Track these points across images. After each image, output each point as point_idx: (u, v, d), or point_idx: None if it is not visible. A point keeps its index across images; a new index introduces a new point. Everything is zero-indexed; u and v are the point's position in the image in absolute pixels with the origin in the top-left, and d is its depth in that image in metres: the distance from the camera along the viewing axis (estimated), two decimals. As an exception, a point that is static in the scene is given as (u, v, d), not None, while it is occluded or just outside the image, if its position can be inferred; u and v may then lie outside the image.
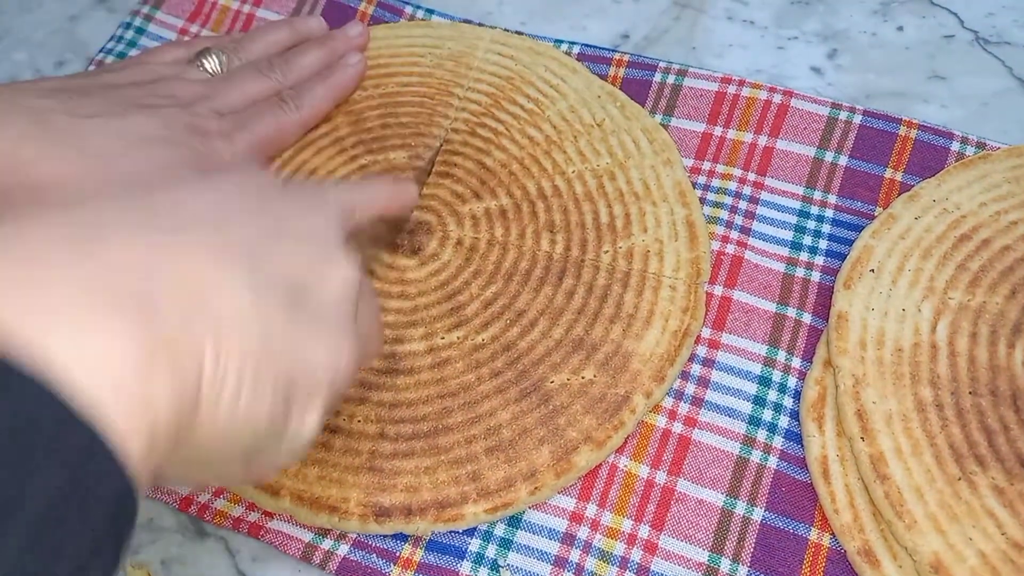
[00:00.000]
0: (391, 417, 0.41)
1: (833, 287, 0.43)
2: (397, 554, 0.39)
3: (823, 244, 0.46)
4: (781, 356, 0.43)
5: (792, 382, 0.43)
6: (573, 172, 0.48)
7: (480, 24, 0.54)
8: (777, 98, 0.50)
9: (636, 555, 0.39)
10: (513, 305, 0.44)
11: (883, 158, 0.48)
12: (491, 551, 0.39)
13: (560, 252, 0.45)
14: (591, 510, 0.40)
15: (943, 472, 0.38)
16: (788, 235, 0.46)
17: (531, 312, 0.43)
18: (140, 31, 0.55)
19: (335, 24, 0.53)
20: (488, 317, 0.43)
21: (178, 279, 0.25)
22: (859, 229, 0.45)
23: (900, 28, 0.54)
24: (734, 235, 0.46)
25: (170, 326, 0.24)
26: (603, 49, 0.53)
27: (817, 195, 0.47)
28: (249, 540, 0.40)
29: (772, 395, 0.42)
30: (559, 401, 0.41)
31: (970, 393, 0.40)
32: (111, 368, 0.22)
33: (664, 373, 0.42)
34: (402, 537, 0.39)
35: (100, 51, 0.55)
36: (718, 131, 0.49)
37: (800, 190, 0.48)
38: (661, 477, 0.40)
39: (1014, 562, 0.36)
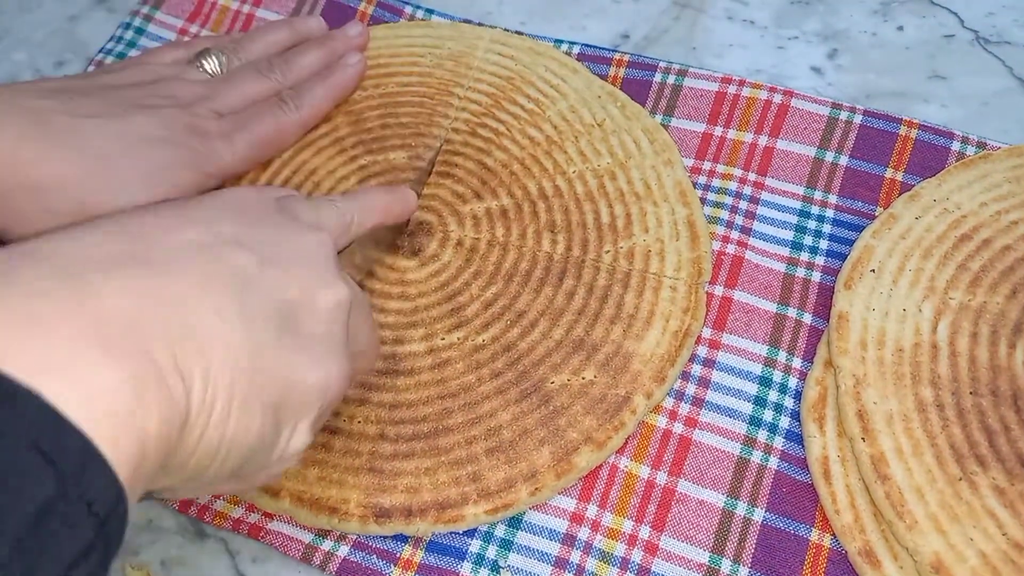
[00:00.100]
0: (391, 418, 0.41)
1: (834, 287, 0.43)
2: (397, 555, 0.39)
3: (824, 244, 0.46)
4: (782, 356, 0.43)
5: (793, 382, 0.43)
6: (574, 172, 0.48)
7: (480, 24, 0.54)
8: (777, 98, 0.50)
9: (637, 556, 0.39)
10: (513, 306, 0.44)
11: (883, 158, 0.48)
12: (492, 552, 0.39)
13: (561, 252, 0.45)
14: (592, 511, 0.40)
15: (944, 472, 0.38)
16: (789, 235, 0.46)
17: (531, 313, 0.43)
18: (140, 31, 0.55)
19: (335, 24, 0.53)
20: (488, 318, 0.43)
21: (167, 313, 0.26)
22: (860, 229, 0.45)
23: (900, 28, 0.54)
24: (734, 235, 0.46)
25: (160, 358, 0.25)
26: (603, 49, 0.53)
27: (818, 195, 0.47)
28: (249, 541, 0.40)
29: (773, 395, 0.42)
30: (560, 402, 0.41)
31: (971, 393, 0.40)
32: (102, 397, 0.23)
33: (665, 374, 0.42)
34: (402, 538, 0.39)
35: (100, 51, 0.54)
36: (718, 131, 0.49)
37: (800, 190, 0.47)
38: (662, 478, 0.40)
39: (1015, 562, 0.36)
